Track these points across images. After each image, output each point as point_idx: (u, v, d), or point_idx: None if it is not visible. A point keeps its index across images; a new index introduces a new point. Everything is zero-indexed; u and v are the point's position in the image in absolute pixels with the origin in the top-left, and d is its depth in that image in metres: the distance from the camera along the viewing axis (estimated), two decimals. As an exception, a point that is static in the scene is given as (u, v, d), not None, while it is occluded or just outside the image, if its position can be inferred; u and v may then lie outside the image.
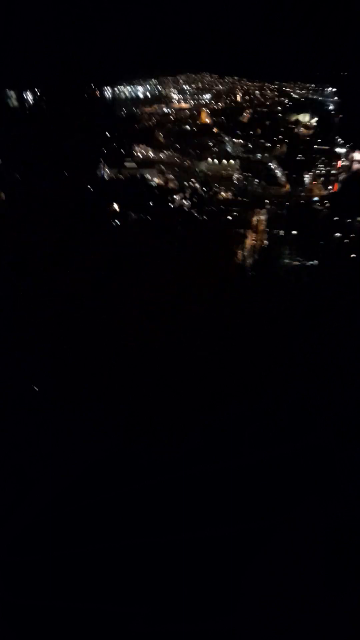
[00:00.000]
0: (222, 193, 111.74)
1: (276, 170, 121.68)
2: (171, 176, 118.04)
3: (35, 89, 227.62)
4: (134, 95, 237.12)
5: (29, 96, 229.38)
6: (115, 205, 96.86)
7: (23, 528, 10.31)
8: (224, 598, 9.08)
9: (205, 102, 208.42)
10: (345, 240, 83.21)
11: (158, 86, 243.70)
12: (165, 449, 12.17)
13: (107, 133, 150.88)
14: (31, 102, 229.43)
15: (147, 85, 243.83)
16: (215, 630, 8.77)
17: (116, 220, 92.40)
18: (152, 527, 10.24)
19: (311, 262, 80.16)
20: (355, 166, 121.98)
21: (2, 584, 9.17)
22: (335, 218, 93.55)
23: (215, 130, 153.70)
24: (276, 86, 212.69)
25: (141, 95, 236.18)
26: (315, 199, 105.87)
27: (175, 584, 9.33)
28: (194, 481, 11.23)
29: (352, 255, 79.66)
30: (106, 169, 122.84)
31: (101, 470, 11.74)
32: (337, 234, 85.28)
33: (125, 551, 9.80)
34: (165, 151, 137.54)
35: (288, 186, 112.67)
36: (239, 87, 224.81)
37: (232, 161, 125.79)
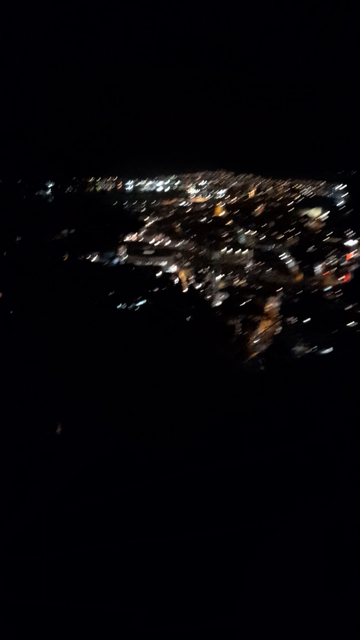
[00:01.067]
0: (236, 281, 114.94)
1: (288, 261, 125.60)
2: (187, 264, 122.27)
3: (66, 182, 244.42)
4: (154, 189, 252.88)
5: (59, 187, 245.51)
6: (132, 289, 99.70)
7: (23, 528, 9.90)
8: (224, 598, 8.51)
9: (221, 197, 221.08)
10: (358, 330, 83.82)
11: (177, 182, 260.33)
12: (165, 449, 11.83)
13: (127, 224, 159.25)
14: (56, 195, 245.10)
15: (167, 181, 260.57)
16: (215, 630, 8.14)
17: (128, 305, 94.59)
18: (152, 527, 9.77)
19: (325, 350, 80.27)
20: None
21: (2, 584, 8.74)
22: (347, 307, 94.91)
23: (229, 222, 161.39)
24: (288, 183, 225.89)
25: (160, 190, 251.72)
26: (327, 288, 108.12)
27: (175, 584, 8.78)
28: (194, 481, 10.81)
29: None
30: (126, 255, 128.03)
31: (101, 470, 11.37)
32: (350, 323, 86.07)
33: (125, 551, 9.34)
34: (182, 241, 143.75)
35: (300, 276, 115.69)
36: (253, 183, 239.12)
37: (245, 251, 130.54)
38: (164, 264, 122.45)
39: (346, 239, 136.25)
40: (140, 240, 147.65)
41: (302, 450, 11.55)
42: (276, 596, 8.68)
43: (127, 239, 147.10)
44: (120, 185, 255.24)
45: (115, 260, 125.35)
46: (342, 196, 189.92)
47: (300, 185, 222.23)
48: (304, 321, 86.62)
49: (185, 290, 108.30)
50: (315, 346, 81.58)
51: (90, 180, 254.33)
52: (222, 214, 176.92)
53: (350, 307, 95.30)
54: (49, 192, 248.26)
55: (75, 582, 8.93)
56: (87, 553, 9.38)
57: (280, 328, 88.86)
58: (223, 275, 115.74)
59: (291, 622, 8.37)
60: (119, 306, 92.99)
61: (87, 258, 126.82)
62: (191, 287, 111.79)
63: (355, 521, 9.62)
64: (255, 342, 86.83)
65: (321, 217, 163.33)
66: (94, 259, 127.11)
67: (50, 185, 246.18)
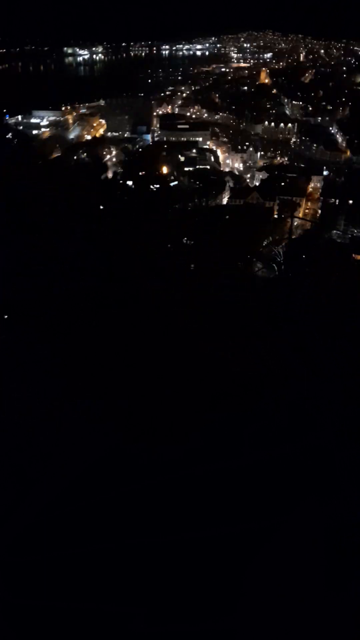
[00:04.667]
0: (278, 158, 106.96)
1: (336, 135, 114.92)
2: (225, 139, 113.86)
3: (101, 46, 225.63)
4: (192, 53, 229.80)
5: (99, 49, 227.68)
6: (164, 168, 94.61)
7: (23, 528, 10.27)
8: (224, 598, 8.69)
9: (266, 61, 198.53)
10: None
11: (217, 44, 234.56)
12: (165, 449, 11.86)
13: (162, 92, 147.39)
14: (95, 56, 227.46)
15: (206, 44, 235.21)
16: (215, 630, 8.40)
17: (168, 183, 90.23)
18: (152, 527, 9.92)
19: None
20: None
21: (2, 584, 9.17)
22: None
23: (274, 91, 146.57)
24: (343, 44, 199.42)
25: (199, 54, 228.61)
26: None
27: (176, 584, 9.02)
28: (194, 481, 10.84)
29: None
30: (159, 130, 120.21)
31: (101, 470, 11.52)
32: None
33: (125, 551, 9.57)
34: (220, 113, 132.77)
35: (348, 152, 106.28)
36: (303, 45, 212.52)
37: (290, 125, 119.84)
38: (200, 139, 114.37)
39: None
40: (175, 113, 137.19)
41: (302, 450, 11.38)
42: (276, 596, 8.61)
43: (161, 111, 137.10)
44: (155, 49, 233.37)
45: (148, 136, 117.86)
46: None
47: (357, 47, 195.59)
48: (350, 202, 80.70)
49: (223, 168, 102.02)
50: (357, 230, 76.89)
51: (123, 45, 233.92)
52: (266, 81, 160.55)
53: None
54: (80, 59, 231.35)
55: (75, 582, 9.19)
56: (87, 553, 9.62)
57: (321, 210, 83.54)
58: (263, 152, 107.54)
59: (291, 622, 8.34)
60: (152, 187, 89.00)
61: (119, 136, 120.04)
62: (229, 164, 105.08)
63: (355, 521, 9.53)
64: (294, 224, 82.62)
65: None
66: (125, 135, 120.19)
67: (82, 52, 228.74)
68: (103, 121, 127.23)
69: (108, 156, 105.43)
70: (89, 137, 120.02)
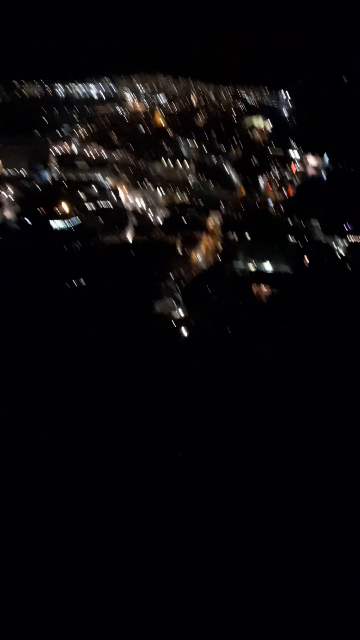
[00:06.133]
0: (178, 196, 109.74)
1: (231, 174, 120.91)
2: (125, 177, 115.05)
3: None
4: (87, 94, 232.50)
5: None
6: (64, 205, 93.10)
7: (23, 528, 8.88)
8: (224, 598, 7.73)
9: (160, 103, 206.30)
10: (300, 245, 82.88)
11: (111, 85, 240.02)
12: (165, 449, 10.97)
13: (58, 132, 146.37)
14: None
15: (101, 84, 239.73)
16: (215, 630, 7.41)
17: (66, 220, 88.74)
18: (152, 527, 8.86)
19: (264, 266, 79.24)
20: (310, 171, 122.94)
21: (2, 584, 7.68)
22: (289, 222, 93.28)
23: (170, 132, 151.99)
24: (230, 90, 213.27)
25: (94, 95, 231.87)
26: (270, 203, 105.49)
27: (176, 584, 7.95)
28: (194, 481, 9.94)
29: (306, 260, 79.32)
30: (56, 168, 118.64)
31: (101, 470, 10.37)
32: (291, 239, 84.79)
33: (125, 551, 8.43)
34: (119, 152, 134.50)
35: (243, 190, 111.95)
36: (194, 89, 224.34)
37: (187, 164, 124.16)
38: (100, 177, 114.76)
39: (290, 150, 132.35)
40: (73, 151, 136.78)
41: (302, 450, 11.06)
42: (276, 596, 8.28)
43: (59, 148, 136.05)
44: (48, 88, 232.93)
45: (46, 174, 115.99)
46: (287, 105, 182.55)
47: (244, 92, 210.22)
48: (247, 236, 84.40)
49: (125, 206, 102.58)
50: (255, 261, 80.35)
51: (14, 84, 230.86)
52: (162, 122, 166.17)
53: (292, 221, 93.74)
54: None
55: (75, 582, 8.20)
56: (87, 553, 8.65)
57: (222, 245, 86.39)
58: (163, 190, 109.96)
59: (291, 622, 8.10)
60: (53, 225, 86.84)
61: (15, 174, 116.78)
62: (129, 202, 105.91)
63: (355, 521, 9.11)
64: (197, 259, 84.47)
65: (265, 127, 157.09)
66: (23, 174, 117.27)
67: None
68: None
69: (3, 193, 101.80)
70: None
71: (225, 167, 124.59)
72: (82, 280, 54.15)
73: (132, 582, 7.09)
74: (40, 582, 7.26)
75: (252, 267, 79.21)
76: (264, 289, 67.84)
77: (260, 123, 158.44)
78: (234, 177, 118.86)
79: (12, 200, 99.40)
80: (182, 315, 57.54)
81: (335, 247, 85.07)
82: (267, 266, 79.41)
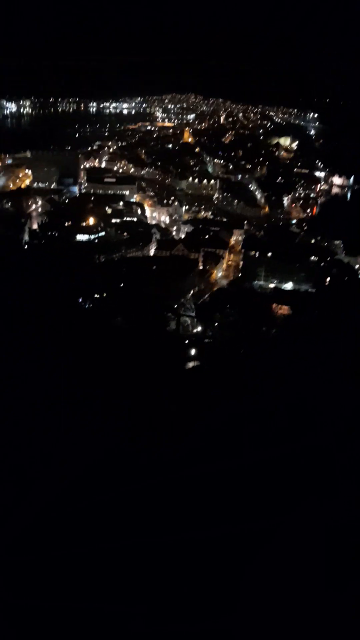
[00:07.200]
0: (202, 212, 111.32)
1: (256, 192, 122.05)
2: (151, 193, 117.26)
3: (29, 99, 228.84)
4: (118, 111, 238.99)
5: (26, 102, 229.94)
6: (91, 219, 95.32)
7: (23, 528, 9.73)
8: (224, 598, 8.42)
9: (189, 121, 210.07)
10: (322, 264, 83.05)
11: (143, 104, 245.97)
12: (165, 449, 11.76)
13: (89, 147, 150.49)
14: (22, 110, 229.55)
15: (132, 103, 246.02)
16: (215, 630, 8.07)
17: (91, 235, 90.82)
18: (152, 527, 9.63)
19: (285, 285, 79.58)
20: (334, 190, 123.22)
21: (2, 584, 8.57)
22: (312, 241, 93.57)
23: (197, 150, 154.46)
24: (259, 109, 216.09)
25: (125, 112, 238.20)
26: (294, 221, 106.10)
27: (176, 583, 8.69)
28: (194, 481, 10.68)
29: (327, 279, 79.32)
30: (85, 183, 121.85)
31: (101, 470, 11.21)
32: (313, 258, 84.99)
33: (125, 551, 9.21)
34: (146, 168, 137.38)
35: (267, 208, 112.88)
36: (223, 108, 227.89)
37: (212, 181, 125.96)
38: (127, 192, 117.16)
39: (315, 169, 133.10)
40: (102, 167, 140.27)
41: (302, 450, 11.58)
42: (276, 596, 8.55)
43: (88, 164, 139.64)
44: (82, 106, 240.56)
45: (75, 188, 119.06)
46: (314, 125, 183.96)
47: (272, 112, 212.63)
48: (268, 255, 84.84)
49: (149, 221, 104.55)
50: (276, 280, 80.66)
51: (51, 101, 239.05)
52: (190, 140, 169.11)
53: (314, 240, 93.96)
54: (7, 112, 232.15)
55: (75, 582, 8.94)
56: (87, 553, 9.32)
57: (243, 262, 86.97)
58: (188, 206, 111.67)
59: (291, 622, 8.30)
60: (78, 238, 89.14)
61: (45, 187, 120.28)
62: (154, 217, 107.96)
63: (355, 521, 9.68)
64: (218, 275, 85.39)
65: (291, 146, 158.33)
66: (52, 186, 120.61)
67: (9, 105, 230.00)
68: (29, 172, 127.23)
69: (34, 206, 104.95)
70: (13, 188, 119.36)
71: (250, 184, 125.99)
72: (103, 293, 55.57)
73: (132, 582, 7.48)
74: (40, 582, 7.68)
75: (272, 285, 79.60)
76: (284, 308, 67.96)
77: (287, 142, 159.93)
78: (258, 194, 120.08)
79: (41, 212, 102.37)
80: (197, 331, 58.27)
81: (358, 268, 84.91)
82: (288, 285, 79.73)
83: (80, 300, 47.73)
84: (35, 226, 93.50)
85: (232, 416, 13.30)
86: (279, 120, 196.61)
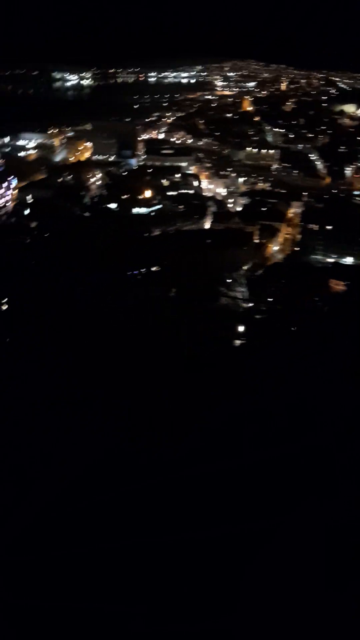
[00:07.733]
0: (260, 184, 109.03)
1: (316, 162, 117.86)
2: (208, 165, 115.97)
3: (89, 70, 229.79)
4: (178, 81, 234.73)
5: (87, 74, 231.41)
6: (147, 191, 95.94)
7: (23, 528, 10.25)
8: (224, 598, 8.73)
9: (249, 89, 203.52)
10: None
11: (203, 72, 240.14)
12: (165, 449, 11.94)
13: (146, 119, 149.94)
14: (83, 81, 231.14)
15: (192, 72, 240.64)
16: (215, 630, 8.44)
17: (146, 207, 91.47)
18: (152, 527, 9.98)
19: (345, 260, 77.24)
20: None
21: (2, 584, 9.14)
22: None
23: (256, 119, 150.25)
24: (323, 75, 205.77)
25: (185, 81, 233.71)
26: (356, 192, 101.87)
27: (176, 583, 9.04)
28: (194, 481, 10.91)
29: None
30: (143, 155, 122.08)
31: (101, 470, 11.54)
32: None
33: (125, 551, 9.59)
34: (204, 139, 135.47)
35: (328, 179, 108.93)
36: (285, 75, 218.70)
37: (271, 151, 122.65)
38: (183, 164, 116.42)
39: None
40: (160, 138, 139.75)
41: (302, 450, 11.42)
42: (276, 596, 8.51)
43: (146, 136, 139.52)
44: (142, 76, 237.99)
45: (133, 161, 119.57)
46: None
47: (337, 77, 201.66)
48: (327, 228, 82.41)
49: (205, 193, 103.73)
50: (336, 255, 78.46)
51: (111, 72, 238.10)
52: (249, 108, 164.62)
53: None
54: (69, 83, 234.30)
55: (75, 582, 8.99)
56: (87, 553, 9.50)
57: (301, 236, 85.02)
58: (246, 177, 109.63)
59: (291, 622, 8.26)
60: (134, 210, 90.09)
61: (104, 160, 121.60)
62: (211, 189, 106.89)
63: (356, 521, 9.59)
64: (273, 249, 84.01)
65: (357, 113, 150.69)
66: (110, 159, 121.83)
67: (71, 76, 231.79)
68: (89, 144, 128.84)
69: (93, 179, 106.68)
70: (74, 160, 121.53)
71: (310, 154, 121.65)
72: (155, 266, 56.39)
73: (132, 582, 7.71)
74: (40, 582, 8.04)
75: (331, 260, 77.43)
76: (342, 284, 65.81)
77: (352, 109, 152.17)
78: (319, 164, 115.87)
79: (100, 184, 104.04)
80: (248, 306, 57.95)
81: None
82: (349, 260, 77.32)
83: (132, 272, 48.57)
84: (94, 200, 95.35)
85: (232, 416, 13.19)
86: (344, 86, 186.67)
